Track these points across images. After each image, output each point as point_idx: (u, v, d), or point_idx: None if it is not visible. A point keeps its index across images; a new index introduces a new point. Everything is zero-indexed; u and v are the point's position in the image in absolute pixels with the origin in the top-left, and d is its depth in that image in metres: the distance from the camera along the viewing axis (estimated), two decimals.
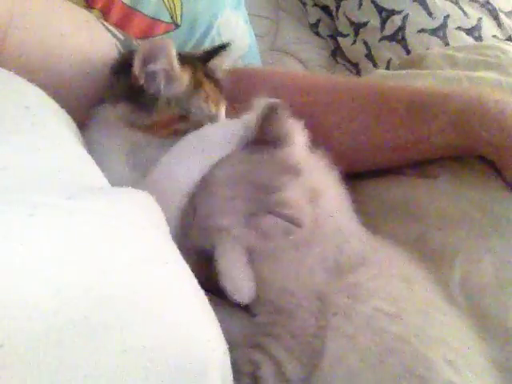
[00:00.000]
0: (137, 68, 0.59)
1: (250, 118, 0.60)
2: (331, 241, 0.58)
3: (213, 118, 0.64)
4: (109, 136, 0.62)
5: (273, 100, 0.58)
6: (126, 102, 0.61)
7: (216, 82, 0.69)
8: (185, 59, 0.65)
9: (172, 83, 0.62)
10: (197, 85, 0.64)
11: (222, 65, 0.72)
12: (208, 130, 0.61)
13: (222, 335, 0.41)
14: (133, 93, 0.61)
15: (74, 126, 0.52)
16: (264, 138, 0.56)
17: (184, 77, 0.63)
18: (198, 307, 0.39)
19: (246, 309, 0.57)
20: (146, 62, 0.59)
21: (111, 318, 0.31)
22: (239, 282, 0.54)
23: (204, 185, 0.55)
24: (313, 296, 0.53)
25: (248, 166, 0.56)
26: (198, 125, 0.62)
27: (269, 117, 0.56)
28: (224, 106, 0.68)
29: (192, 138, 0.60)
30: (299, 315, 0.53)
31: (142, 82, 0.60)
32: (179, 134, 0.61)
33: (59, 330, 0.28)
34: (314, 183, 0.59)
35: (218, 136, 0.60)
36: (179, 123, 0.62)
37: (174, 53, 0.60)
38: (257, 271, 0.56)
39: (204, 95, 0.64)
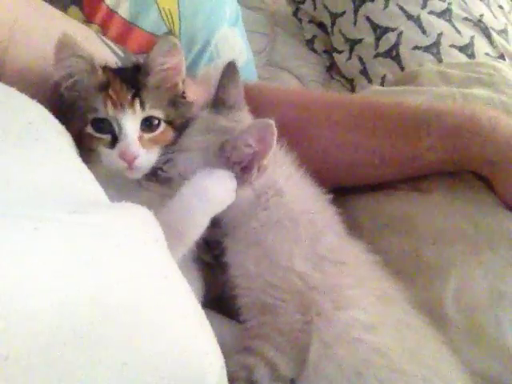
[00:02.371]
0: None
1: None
2: (296, 205, 0.60)
3: (113, 120, 0.57)
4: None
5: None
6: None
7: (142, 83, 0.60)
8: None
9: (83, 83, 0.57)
10: (102, 86, 0.58)
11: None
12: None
13: (219, 349, 0.41)
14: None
15: (72, 141, 0.53)
16: (221, 101, 0.67)
17: (94, 72, 0.58)
18: (196, 321, 0.40)
19: (236, 318, 0.58)
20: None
21: (112, 332, 0.31)
22: None
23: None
24: (295, 290, 0.54)
25: (212, 120, 0.65)
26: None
27: (224, 83, 0.67)
28: (135, 108, 0.58)
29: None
30: (284, 310, 0.53)
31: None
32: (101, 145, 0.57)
33: (62, 344, 0.28)
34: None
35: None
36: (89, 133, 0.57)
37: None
38: (242, 264, 0.57)
39: (104, 97, 0.57)
